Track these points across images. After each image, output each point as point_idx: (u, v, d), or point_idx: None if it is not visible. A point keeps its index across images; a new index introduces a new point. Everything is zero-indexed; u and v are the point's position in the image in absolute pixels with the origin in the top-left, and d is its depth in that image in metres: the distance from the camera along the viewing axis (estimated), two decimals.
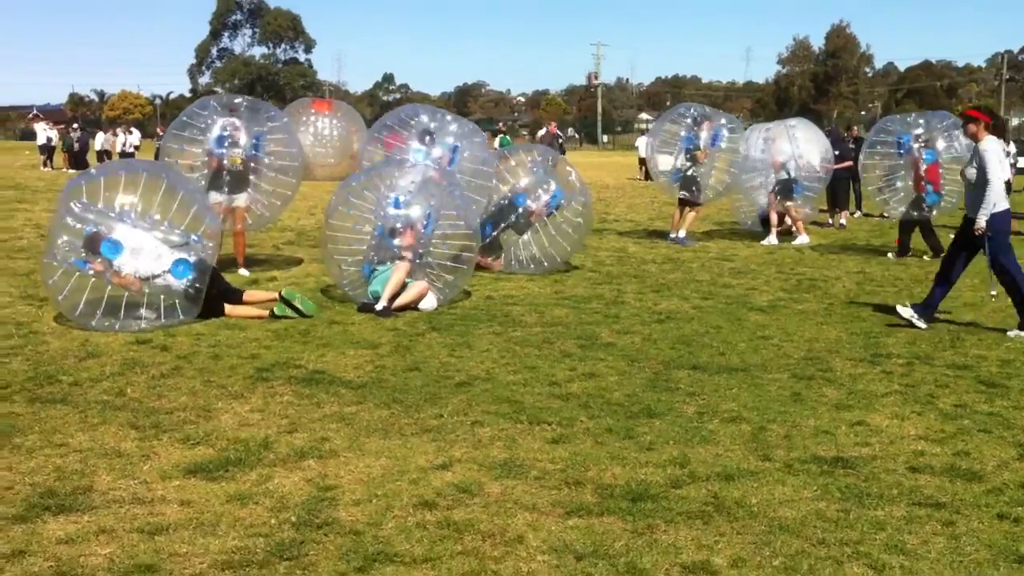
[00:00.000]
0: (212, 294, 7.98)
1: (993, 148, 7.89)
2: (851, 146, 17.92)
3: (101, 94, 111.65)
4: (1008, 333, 7.85)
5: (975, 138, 8.07)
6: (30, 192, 21.88)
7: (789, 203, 14.90)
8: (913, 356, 7.14)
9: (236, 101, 10.62)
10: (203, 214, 8.16)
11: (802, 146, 14.98)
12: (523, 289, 9.99)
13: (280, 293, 8.34)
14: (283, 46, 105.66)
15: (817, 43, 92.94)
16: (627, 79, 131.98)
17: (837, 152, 16.19)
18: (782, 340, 7.66)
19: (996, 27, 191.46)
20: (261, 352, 6.96)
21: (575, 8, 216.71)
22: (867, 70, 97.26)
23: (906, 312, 8.15)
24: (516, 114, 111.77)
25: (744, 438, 5.17)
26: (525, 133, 76.54)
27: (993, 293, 8.43)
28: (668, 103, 74.39)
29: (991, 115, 8.25)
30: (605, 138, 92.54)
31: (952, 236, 9.01)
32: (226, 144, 10.06)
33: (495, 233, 11.16)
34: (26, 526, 3.92)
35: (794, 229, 14.97)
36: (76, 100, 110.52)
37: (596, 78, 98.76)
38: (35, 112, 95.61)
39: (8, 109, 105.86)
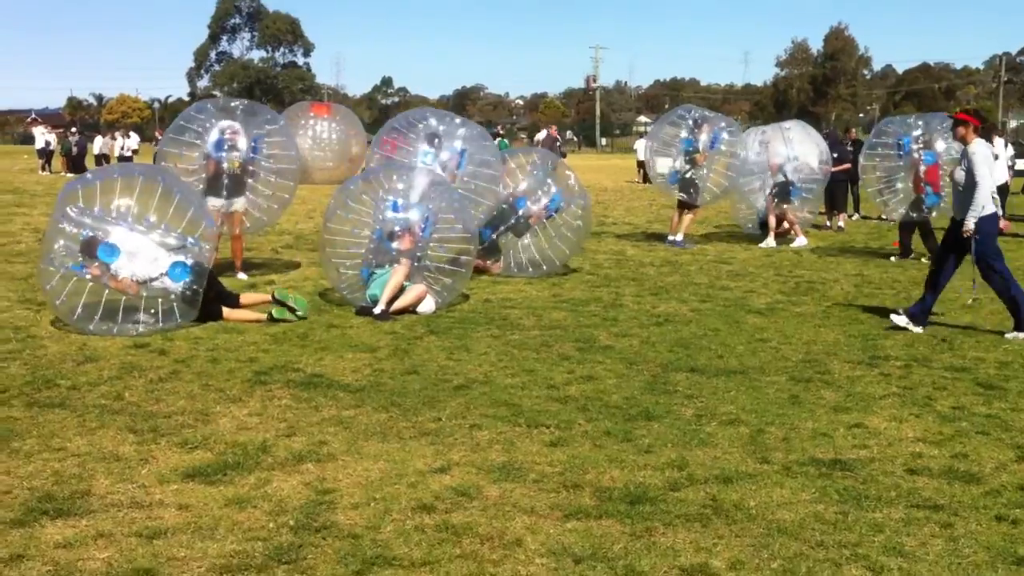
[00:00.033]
0: (210, 297, 7.99)
1: (981, 151, 7.90)
2: (849, 148, 17.93)
3: (99, 98, 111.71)
4: (1005, 335, 7.86)
5: (964, 141, 8.08)
6: (28, 196, 21.87)
7: (786, 206, 14.90)
8: (911, 358, 7.14)
9: (233, 104, 10.62)
10: (200, 217, 8.16)
11: (798, 148, 14.98)
12: (521, 292, 9.99)
13: (273, 294, 8.37)
14: (282, 50, 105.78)
15: (815, 45, 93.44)
16: (625, 82, 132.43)
17: (835, 155, 16.18)
18: (780, 343, 7.66)
19: (994, 29, 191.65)
20: (259, 356, 6.96)
21: (573, 11, 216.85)
22: (865, 72, 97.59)
23: (900, 320, 8.15)
24: (514, 117, 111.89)
25: (742, 441, 5.17)
26: (523, 136, 76.55)
27: (976, 297, 8.44)
28: (666, 106, 74.30)
29: (980, 118, 8.27)
30: (603, 141, 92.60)
31: None
32: (225, 148, 10.06)
33: (494, 236, 11.17)
34: (24, 530, 3.92)
35: (791, 232, 14.97)
36: (74, 104, 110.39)
37: (594, 81, 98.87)
38: (33, 116, 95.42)
39: (6, 113, 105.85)
